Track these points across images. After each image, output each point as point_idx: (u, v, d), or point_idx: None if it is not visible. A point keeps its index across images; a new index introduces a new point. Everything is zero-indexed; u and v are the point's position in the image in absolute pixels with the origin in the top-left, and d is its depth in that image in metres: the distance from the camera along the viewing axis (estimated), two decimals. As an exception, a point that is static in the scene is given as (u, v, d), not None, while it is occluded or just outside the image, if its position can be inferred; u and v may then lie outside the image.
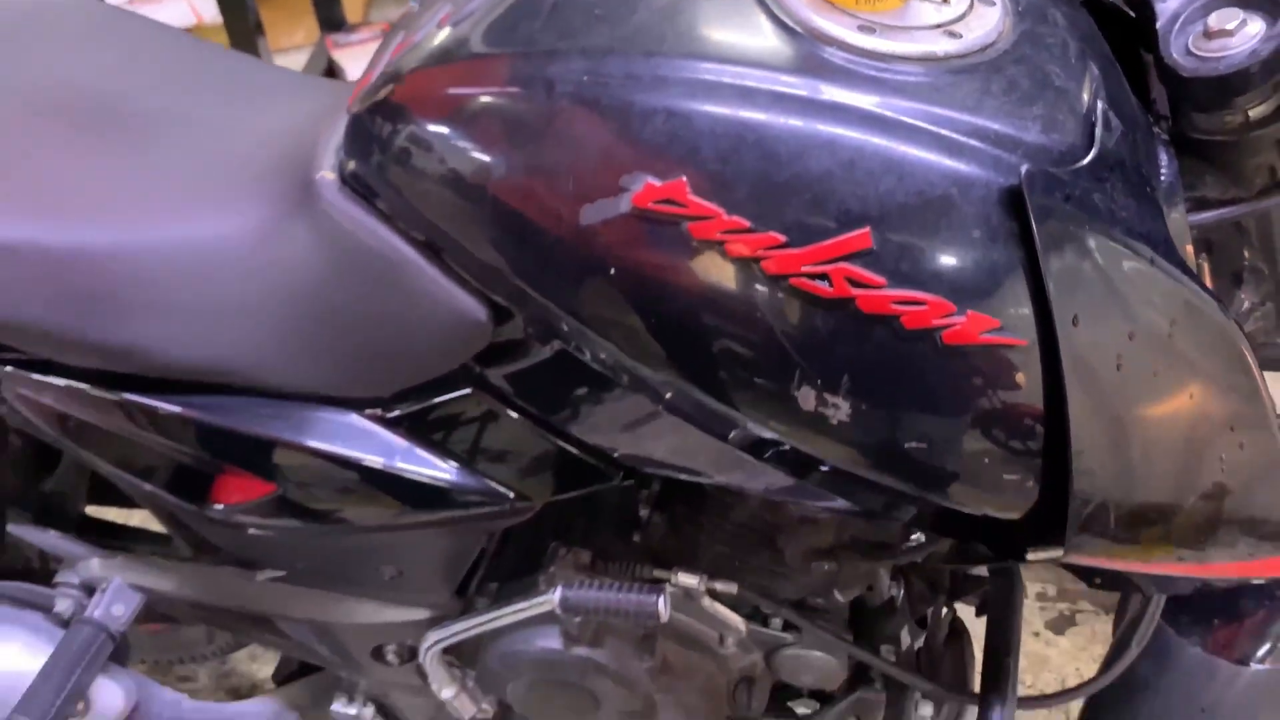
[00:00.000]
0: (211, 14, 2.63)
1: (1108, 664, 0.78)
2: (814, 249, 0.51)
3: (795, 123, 0.51)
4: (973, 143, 0.51)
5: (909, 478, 0.58)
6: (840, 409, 0.54)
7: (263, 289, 0.67)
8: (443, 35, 0.60)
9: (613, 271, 0.55)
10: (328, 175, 0.64)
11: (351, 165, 0.63)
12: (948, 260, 0.51)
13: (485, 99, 0.57)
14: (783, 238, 0.51)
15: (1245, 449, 0.56)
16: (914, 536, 0.77)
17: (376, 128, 0.61)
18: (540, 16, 0.57)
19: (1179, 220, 0.58)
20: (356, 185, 0.63)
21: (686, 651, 0.85)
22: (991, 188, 0.50)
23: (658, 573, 0.80)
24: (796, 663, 0.85)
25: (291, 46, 2.56)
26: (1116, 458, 0.54)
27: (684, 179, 0.52)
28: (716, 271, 0.52)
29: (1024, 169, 0.50)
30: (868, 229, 0.50)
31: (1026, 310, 0.51)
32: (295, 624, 0.93)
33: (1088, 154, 0.52)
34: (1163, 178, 0.58)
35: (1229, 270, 0.65)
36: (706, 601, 0.79)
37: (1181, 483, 0.57)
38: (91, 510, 1.14)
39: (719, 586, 0.79)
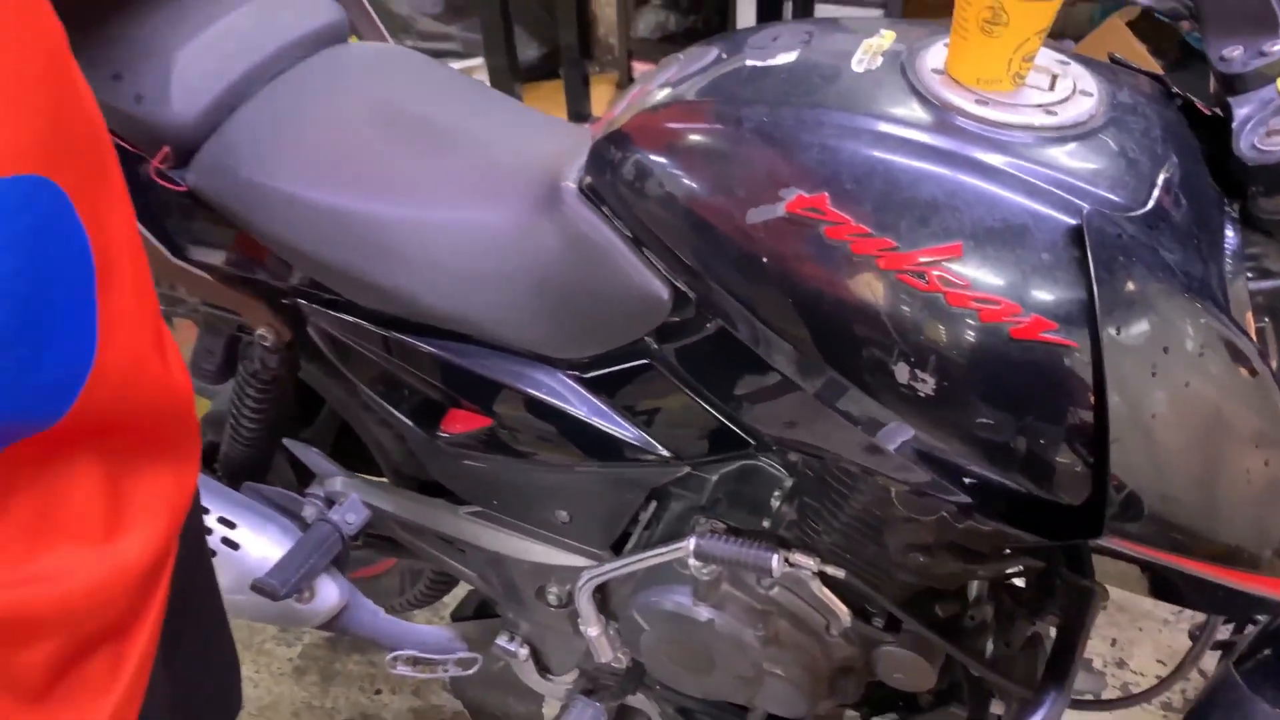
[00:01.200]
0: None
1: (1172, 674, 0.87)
2: (916, 253, 0.68)
3: (913, 161, 0.69)
4: (1049, 188, 0.67)
5: (979, 454, 0.72)
6: (928, 384, 0.70)
7: (510, 264, 0.90)
8: (665, 89, 0.82)
9: (765, 260, 0.73)
10: (569, 184, 0.87)
11: (588, 178, 0.86)
12: (1020, 273, 0.66)
13: (690, 133, 0.78)
14: (895, 242, 0.68)
15: (1270, 467, 0.67)
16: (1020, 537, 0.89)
17: (610, 152, 0.83)
18: (740, 79, 0.78)
19: (1240, 286, 0.71)
20: (590, 194, 0.86)
21: (795, 631, 0.99)
22: (1058, 223, 0.66)
23: (780, 550, 0.95)
24: (892, 661, 0.97)
25: (541, 132, 2.94)
26: (1149, 451, 0.67)
27: (826, 194, 0.70)
28: (843, 264, 0.70)
29: (1086, 210, 0.65)
30: (960, 242, 0.67)
31: (1080, 319, 0.65)
32: (482, 556, 1.14)
33: (1143, 208, 0.66)
34: (1228, 248, 0.72)
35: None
36: (816, 585, 0.94)
37: (1208, 485, 0.68)
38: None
39: (829, 570, 0.93)
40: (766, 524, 0.99)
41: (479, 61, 3.06)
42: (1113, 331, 0.65)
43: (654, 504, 1.05)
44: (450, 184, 0.95)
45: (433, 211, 0.93)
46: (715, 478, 1.00)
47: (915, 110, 0.72)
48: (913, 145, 0.70)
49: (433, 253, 0.92)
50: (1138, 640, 1.73)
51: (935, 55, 0.75)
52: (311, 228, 0.94)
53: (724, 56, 0.82)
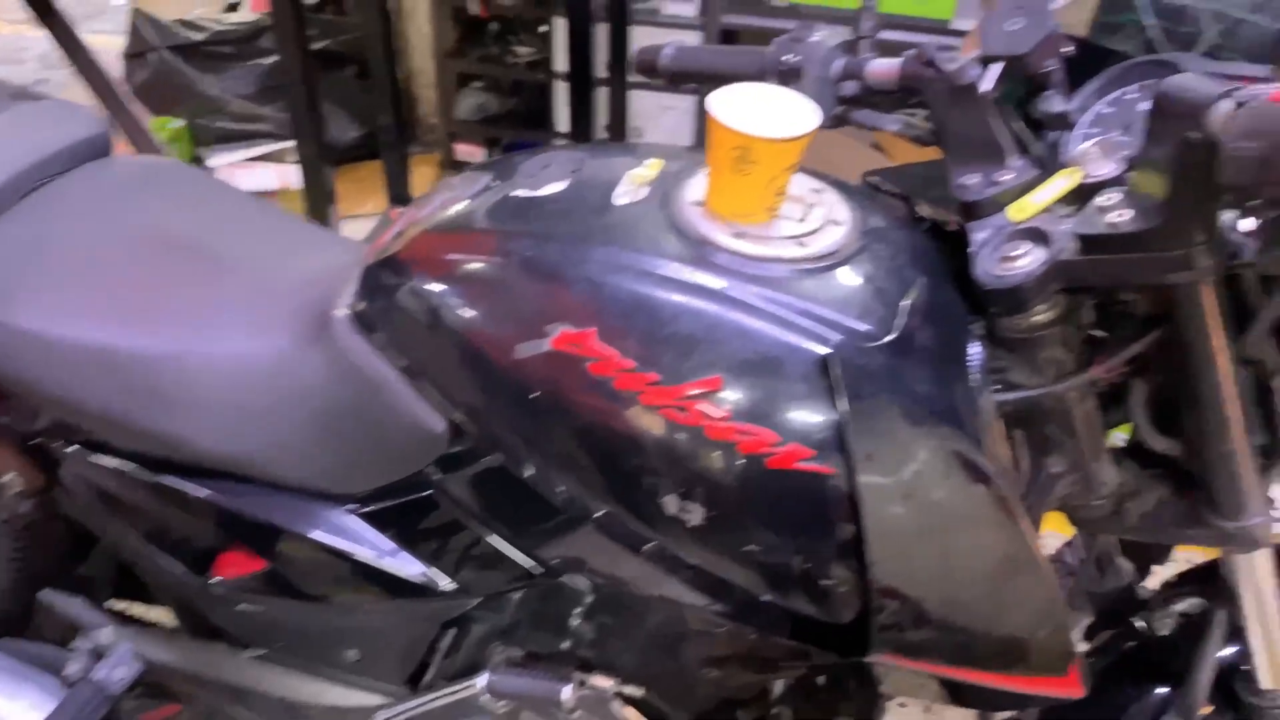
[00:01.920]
0: (297, 180, 2.99)
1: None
2: (678, 387, 0.68)
3: (674, 296, 0.69)
4: (800, 320, 0.68)
5: (752, 578, 0.73)
6: (695, 514, 0.70)
7: (281, 399, 0.85)
8: (436, 215, 0.81)
9: (533, 396, 0.72)
10: (340, 312, 0.84)
11: (360, 306, 0.83)
12: (776, 404, 0.67)
13: (459, 263, 0.76)
14: (658, 377, 0.68)
15: (1017, 578, 0.70)
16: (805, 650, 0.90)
17: (380, 279, 0.81)
18: (509, 209, 0.78)
19: (988, 400, 0.74)
20: (362, 322, 0.83)
21: (601, 753, 0.96)
22: (809, 354, 0.67)
23: (578, 674, 0.93)
24: None
25: (361, 214, 2.87)
26: (906, 569, 0.69)
27: (592, 330, 0.70)
28: (609, 399, 0.70)
29: (834, 341, 0.67)
30: (719, 376, 0.67)
31: (834, 447, 0.67)
32: (271, 702, 1.06)
33: (888, 336, 0.69)
34: (974, 364, 0.75)
35: (1039, 443, 0.80)
36: (616, 705, 0.92)
37: (964, 598, 0.71)
38: (114, 605, 1.28)
39: (628, 690, 0.91)
40: (567, 645, 0.97)
41: (294, 143, 2.98)
42: (864, 458, 0.66)
43: (452, 631, 1.01)
44: (217, 314, 0.90)
45: (199, 345, 0.87)
46: (516, 599, 0.97)
47: (675, 245, 0.72)
48: (673, 281, 0.70)
49: (199, 391, 0.86)
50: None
51: (695, 187, 0.77)
52: (63, 370, 0.87)
53: (495, 184, 0.82)
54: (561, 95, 2.79)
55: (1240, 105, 0.54)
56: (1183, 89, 0.60)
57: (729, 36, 2.77)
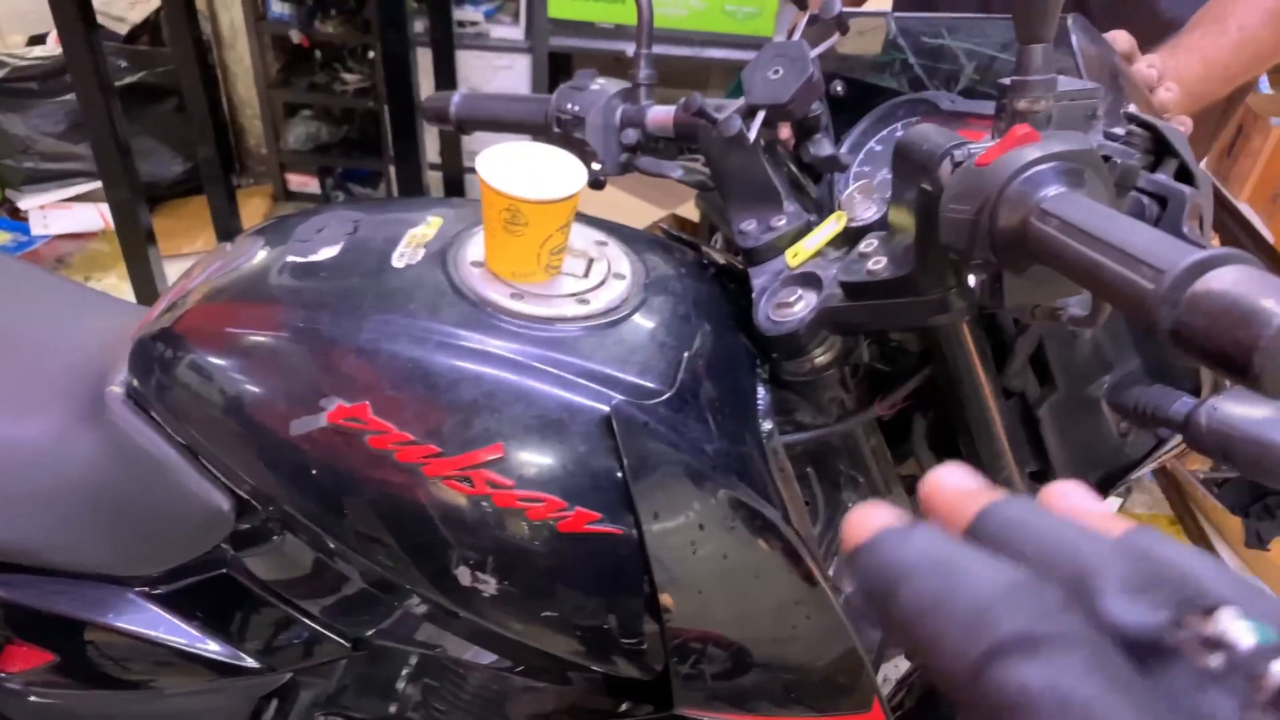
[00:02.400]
0: (118, 221, 2.84)
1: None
2: (460, 458, 0.67)
3: (452, 362, 0.68)
4: (581, 381, 0.68)
5: (557, 643, 0.72)
6: (490, 584, 0.69)
7: (54, 482, 0.80)
8: (208, 284, 0.78)
9: (314, 472, 0.70)
10: (115, 389, 0.80)
11: (134, 382, 0.79)
12: (561, 468, 0.67)
13: (231, 335, 0.73)
14: (438, 449, 0.67)
15: (811, 620, 0.72)
16: (623, 705, 0.90)
17: (150, 354, 0.77)
18: (281, 275, 0.75)
19: (777, 442, 0.76)
20: (136, 398, 0.78)
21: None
22: (591, 415, 0.67)
23: None
24: None
25: (191, 252, 2.75)
26: (701, 623, 0.70)
27: (367, 402, 0.68)
28: (390, 474, 0.68)
29: (614, 401, 0.67)
30: (500, 443, 0.67)
31: (621, 507, 0.67)
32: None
33: (669, 390, 0.70)
34: (762, 406, 0.77)
35: (833, 479, 0.83)
36: None
37: (762, 646, 0.72)
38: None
39: None
40: (393, 709, 0.94)
41: (109, 182, 2.83)
42: (650, 517, 0.67)
43: (274, 703, 0.97)
44: None
45: None
46: (334, 668, 0.94)
47: (453, 308, 0.71)
48: (450, 347, 0.69)
49: None
50: None
51: (476, 247, 0.76)
52: None
53: (268, 249, 0.79)
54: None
55: (956, 165, 0.56)
56: (919, 139, 0.63)
57: (558, 59, 2.78)
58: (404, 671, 0.93)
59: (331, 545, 0.74)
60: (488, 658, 0.80)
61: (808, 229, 0.78)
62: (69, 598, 0.85)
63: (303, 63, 2.86)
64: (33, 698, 0.91)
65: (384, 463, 0.68)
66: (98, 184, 2.87)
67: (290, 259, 0.76)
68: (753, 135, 0.76)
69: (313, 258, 0.76)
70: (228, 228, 2.69)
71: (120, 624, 0.84)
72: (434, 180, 2.48)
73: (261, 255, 0.78)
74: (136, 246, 2.18)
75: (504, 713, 0.90)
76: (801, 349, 0.74)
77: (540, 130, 0.92)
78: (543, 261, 0.73)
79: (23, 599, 0.85)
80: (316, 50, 2.81)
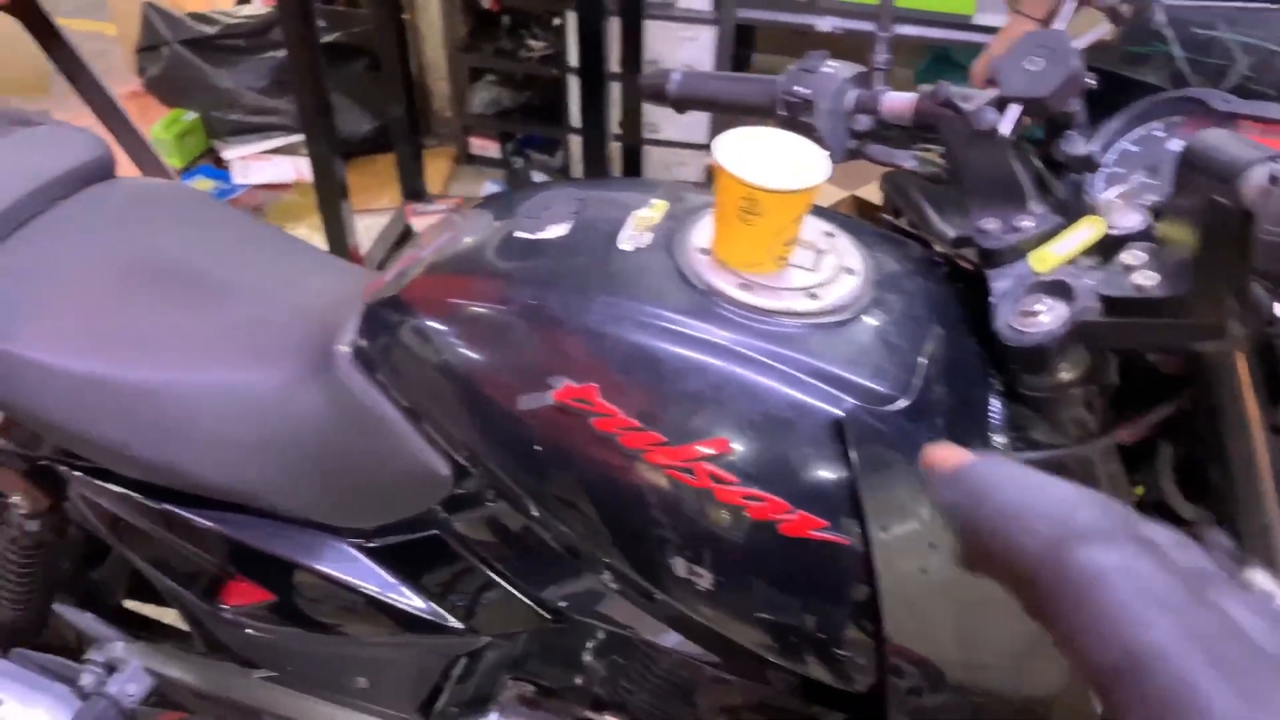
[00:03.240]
0: (310, 172, 2.98)
1: None
2: (684, 448, 0.66)
3: (680, 351, 0.68)
4: (811, 380, 0.66)
5: (764, 643, 0.71)
6: (704, 578, 0.69)
7: (282, 431, 0.84)
8: (438, 255, 0.79)
9: (537, 448, 0.71)
10: (343, 348, 0.83)
11: (361, 343, 0.82)
12: (786, 469, 0.66)
13: (460, 307, 0.75)
14: (663, 437, 0.67)
15: (1037, 642, 0.68)
16: (814, 709, 0.89)
17: (382, 318, 0.80)
18: (509, 252, 0.76)
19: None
20: (363, 359, 0.81)
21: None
22: (821, 417, 0.65)
23: (588, 713, 0.92)
24: None
25: (376, 208, 2.86)
26: (924, 642, 0.67)
27: (595, 384, 0.68)
28: (612, 457, 0.68)
29: (847, 405, 0.65)
30: (726, 438, 0.66)
31: (849, 516, 0.65)
32: (279, 722, 1.06)
33: (903, 399, 0.67)
34: (994, 421, 0.73)
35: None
36: None
37: (988, 674, 0.69)
38: (129, 604, 1.30)
39: None
40: (579, 681, 0.96)
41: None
42: (880, 531, 0.65)
43: (463, 661, 1.00)
44: (218, 344, 0.89)
45: (197, 375, 0.86)
46: (526, 636, 0.96)
47: (681, 295, 0.70)
48: (678, 334, 0.68)
49: (198, 421, 0.86)
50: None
51: (702, 233, 0.75)
52: (64, 399, 0.86)
53: (497, 224, 0.80)
54: (574, 90, 2.76)
55: (1276, 181, 0.51)
56: (1214, 148, 0.57)
57: (744, 31, 2.73)
58: (592, 645, 0.94)
59: (544, 519, 0.75)
60: (683, 645, 0.79)
61: (1055, 232, 0.73)
62: (287, 541, 0.89)
63: (489, 28, 2.92)
64: (249, 630, 0.97)
65: (608, 446, 0.68)
66: (294, 138, 3.03)
67: (519, 235, 0.77)
68: (1007, 130, 0.71)
69: (541, 235, 0.76)
70: (413, 186, 2.78)
71: (333, 572, 0.88)
72: (613, 151, 2.49)
73: (491, 230, 0.79)
74: (331, 199, 2.28)
75: (691, 700, 0.90)
76: (1046, 363, 0.70)
77: (763, 113, 0.89)
78: (774, 252, 0.71)
79: (246, 538, 0.90)
80: (504, 16, 2.85)
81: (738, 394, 0.66)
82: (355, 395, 0.81)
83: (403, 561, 0.88)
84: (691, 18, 2.53)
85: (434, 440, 0.78)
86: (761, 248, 0.70)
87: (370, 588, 0.88)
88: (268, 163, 3.02)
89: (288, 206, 2.94)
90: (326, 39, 2.94)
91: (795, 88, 0.84)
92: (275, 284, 0.96)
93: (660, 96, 0.95)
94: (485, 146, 3.08)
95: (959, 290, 0.79)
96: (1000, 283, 0.74)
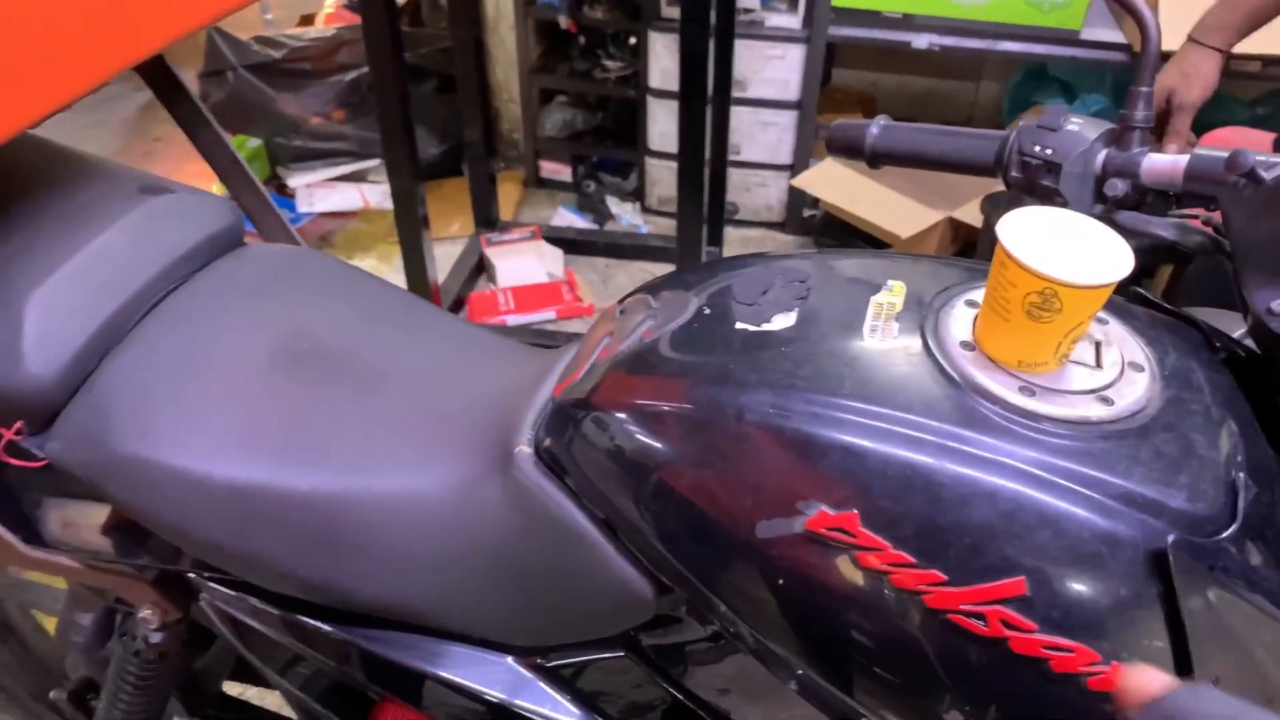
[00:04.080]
0: (377, 200, 2.91)
1: None
2: (972, 590, 0.56)
3: (960, 472, 0.57)
4: (1119, 505, 0.56)
5: None
6: (988, 736, 0.58)
7: (456, 542, 0.75)
8: (644, 349, 0.70)
9: (781, 583, 0.61)
10: (525, 449, 0.73)
11: (548, 443, 0.72)
12: (1096, 613, 0.55)
13: (679, 414, 0.65)
14: (944, 576, 0.56)
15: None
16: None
17: (576, 418, 0.70)
18: (733, 348, 0.66)
19: None
20: (550, 461, 0.72)
21: None
22: (1139, 551, 0.55)
23: None
24: None
25: (447, 236, 2.78)
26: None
27: (856, 511, 0.58)
28: (880, 599, 0.58)
29: (1171, 538, 0.55)
30: (1023, 577, 0.55)
31: (1169, 667, 0.54)
32: None
33: (1231, 524, 0.56)
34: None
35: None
36: None
37: None
38: (230, 687, 1.21)
39: None
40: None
41: (376, 162, 2.90)
42: (1213, 680, 0.54)
43: None
44: (377, 443, 0.79)
45: (359, 481, 0.77)
46: None
47: (952, 403, 0.60)
48: (955, 452, 0.58)
49: (360, 534, 0.76)
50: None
51: (960, 322, 0.65)
52: (205, 509, 0.77)
53: (708, 311, 0.70)
54: (654, 111, 2.67)
55: None
56: None
57: (833, 50, 2.63)
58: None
59: (779, 660, 0.65)
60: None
61: (1374, 320, 0.63)
62: (448, 660, 0.80)
63: (563, 47, 2.83)
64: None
65: (874, 585, 0.58)
66: (360, 164, 2.96)
67: (740, 326, 0.67)
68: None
69: (766, 327, 0.66)
70: (487, 213, 2.70)
71: (503, 695, 0.78)
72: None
73: (702, 318, 0.70)
74: (412, 229, 2.20)
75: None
76: None
77: (982, 172, 0.79)
78: (1060, 351, 0.61)
79: (402, 657, 0.80)
80: (580, 36, 2.77)
81: (1034, 524, 0.56)
82: (540, 502, 0.71)
83: (582, 682, 0.78)
84: (781, 36, 2.43)
85: (637, 559, 0.69)
86: (1049, 346, 0.60)
87: (546, 711, 0.78)
88: (333, 190, 2.96)
89: (355, 235, 2.87)
90: (396, 61, 2.86)
91: (1034, 147, 0.74)
92: (435, 367, 0.87)
93: (854, 151, 0.85)
94: (556, 170, 3.00)
95: (1237, 379, 0.68)
96: None
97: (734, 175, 2.68)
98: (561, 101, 2.91)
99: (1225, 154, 0.66)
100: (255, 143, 3.02)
